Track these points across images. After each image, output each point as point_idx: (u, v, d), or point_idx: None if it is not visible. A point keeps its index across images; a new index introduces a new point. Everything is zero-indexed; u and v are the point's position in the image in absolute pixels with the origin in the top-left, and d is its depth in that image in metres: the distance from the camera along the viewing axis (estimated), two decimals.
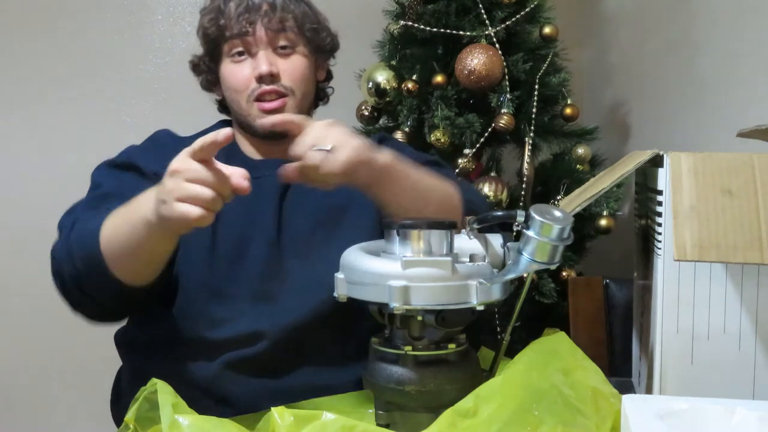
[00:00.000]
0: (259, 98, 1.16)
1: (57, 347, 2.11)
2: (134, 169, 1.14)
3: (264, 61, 1.15)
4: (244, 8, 1.15)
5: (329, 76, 1.32)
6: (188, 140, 1.20)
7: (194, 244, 1.12)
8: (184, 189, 0.84)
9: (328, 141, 0.93)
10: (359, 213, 1.15)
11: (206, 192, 0.84)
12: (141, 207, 0.93)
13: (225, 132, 0.85)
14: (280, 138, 1.17)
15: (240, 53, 1.17)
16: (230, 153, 1.21)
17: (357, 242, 0.93)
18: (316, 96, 1.28)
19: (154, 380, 0.80)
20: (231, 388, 1.06)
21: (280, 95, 1.16)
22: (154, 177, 1.09)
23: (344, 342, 1.10)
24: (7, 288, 2.12)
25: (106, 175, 1.15)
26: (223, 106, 1.27)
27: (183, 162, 0.86)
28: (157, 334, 1.11)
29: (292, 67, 1.18)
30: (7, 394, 2.16)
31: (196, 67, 1.26)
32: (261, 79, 1.15)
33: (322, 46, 1.25)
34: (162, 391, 0.78)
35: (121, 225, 0.96)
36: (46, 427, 2.18)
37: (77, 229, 1.03)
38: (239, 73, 1.17)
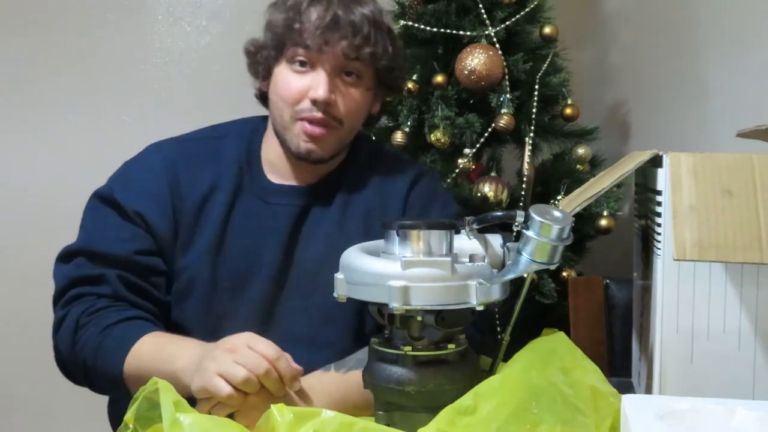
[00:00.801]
0: (305, 118, 1.09)
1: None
2: (116, 207, 1.11)
3: (324, 85, 1.07)
4: (327, 24, 1.07)
5: (383, 108, 1.25)
6: (186, 142, 1.18)
7: (196, 276, 1.10)
8: (226, 366, 0.87)
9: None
10: None
11: (243, 374, 0.87)
12: (173, 362, 0.95)
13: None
14: (310, 162, 1.13)
15: (302, 63, 1.09)
16: (250, 168, 1.16)
17: None
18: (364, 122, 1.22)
19: (155, 379, 0.80)
20: None
21: (328, 125, 1.09)
22: (135, 216, 1.10)
23: None
24: (8, 288, 2.12)
25: (90, 220, 1.13)
26: (263, 97, 1.19)
27: (241, 346, 0.89)
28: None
29: (351, 99, 1.11)
30: (7, 394, 2.16)
31: (251, 54, 1.18)
32: (315, 102, 1.08)
33: (389, 85, 1.19)
34: (163, 389, 0.78)
35: (149, 370, 0.96)
36: (45, 428, 2.18)
37: (87, 342, 1.03)
38: (294, 85, 1.09)
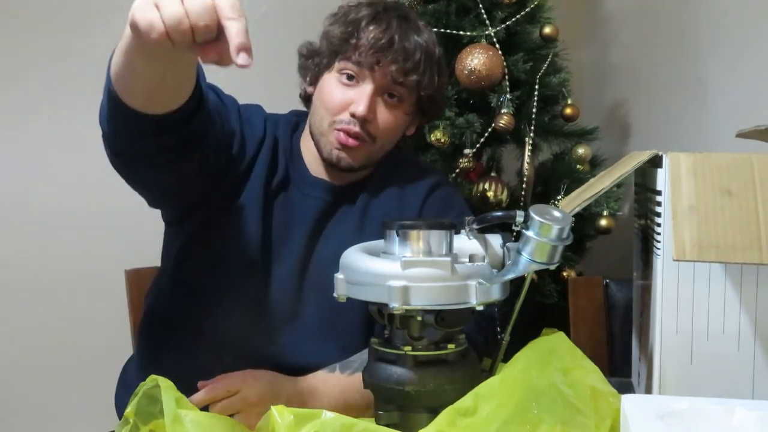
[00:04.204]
0: (342, 129, 1.13)
1: (57, 347, 2.11)
2: (222, 106, 1.11)
3: (366, 102, 1.11)
4: (381, 45, 1.11)
5: (418, 132, 1.29)
6: (272, 118, 1.20)
7: (241, 250, 1.11)
8: (167, 3, 0.71)
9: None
10: None
11: (179, 15, 0.71)
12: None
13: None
14: (339, 169, 1.17)
15: (350, 77, 1.13)
16: (293, 158, 1.19)
17: None
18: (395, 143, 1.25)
19: (154, 376, 0.80)
20: None
21: (361, 139, 1.13)
22: (231, 132, 1.10)
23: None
24: (7, 288, 2.12)
25: None
26: (307, 99, 1.23)
27: None
28: (176, 320, 1.13)
29: (388, 120, 1.15)
30: (7, 395, 2.16)
31: (303, 57, 1.21)
32: (353, 116, 1.12)
33: (427, 113, 1.23)
34: (165, 386, 0.78)
35: (119, 43, 0.86)
36: (45, 428, 2.18)
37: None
38: (338, 96, 1.13)
